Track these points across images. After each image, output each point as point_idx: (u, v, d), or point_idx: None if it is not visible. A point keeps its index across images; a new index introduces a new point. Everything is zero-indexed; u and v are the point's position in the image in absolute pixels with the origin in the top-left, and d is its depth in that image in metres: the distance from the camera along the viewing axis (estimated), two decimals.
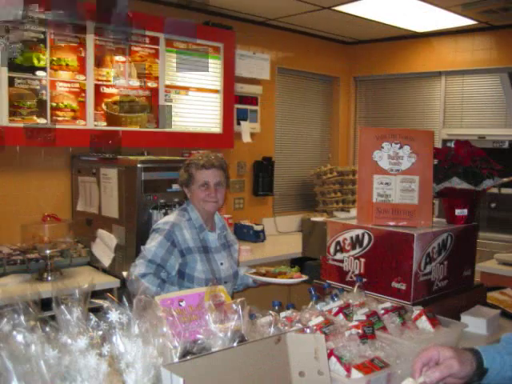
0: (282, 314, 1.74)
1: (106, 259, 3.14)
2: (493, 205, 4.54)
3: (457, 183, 2.19)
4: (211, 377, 1.16)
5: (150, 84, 3.71)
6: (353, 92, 5.54)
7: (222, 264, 2.50)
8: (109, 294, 1.42)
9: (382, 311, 1.78)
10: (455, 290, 2.21)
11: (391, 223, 2.12)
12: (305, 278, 2.47)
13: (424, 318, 1.77)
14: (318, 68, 5.20)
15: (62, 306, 1.16)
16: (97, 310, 1.22)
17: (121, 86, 3.56)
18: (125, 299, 1.24)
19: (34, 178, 3.41)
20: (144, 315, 1.22)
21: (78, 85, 3.36)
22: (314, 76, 5.24)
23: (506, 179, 2.27)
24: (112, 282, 3.01)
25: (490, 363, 1.27)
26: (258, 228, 4.28)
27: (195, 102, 3.99)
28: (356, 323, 1.60)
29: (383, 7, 4.04)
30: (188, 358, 1.19)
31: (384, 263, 2.07)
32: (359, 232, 2.14)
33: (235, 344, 1.26)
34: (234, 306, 1.38)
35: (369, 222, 2.13)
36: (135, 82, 3.64)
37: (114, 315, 1.18)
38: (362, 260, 2.14)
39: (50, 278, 2.94)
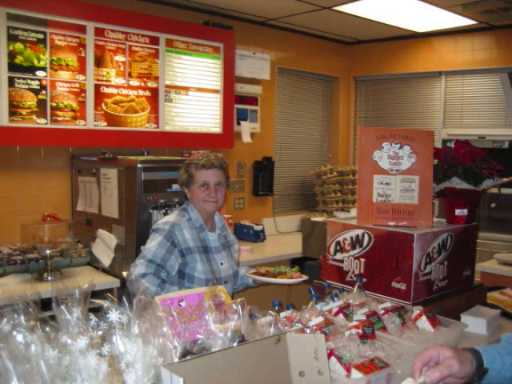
0: (282, 314, 1.74)
1: (106, 259, 3.14)
2: (493, 205, 4.54)
3: (457, 183, 2.19)
4: (211, 377, 1.16)
5: (150, 84, 3.72)
6: (353, 92, 5.54)
7: (222, 264, 2.50)
8: (109, 294, 1.42)
9: (382, 311, 1.78)
10: (455, 290, 2.21)
11: (391, 223, 2.12)
12: (305, 278, 2.47)
13: (424, 317, 1.77)
14: (318, 68, 5.21)
15: (62, 306, 1.16)
16: (97, 310, 1.22)
17: (121, 85, 3.56)
18: (125, 299, 1.24)
19: (33, 178, 3.41)
20: (144, 315, 1.22)
21: (78, 85, 3.36)
22: (313, 76, 5.24)
23: (505, 179, 2.27)
24: (112, 282, 3.01)
25: (490, 363, 1.27)
26: (258, 228, 4.28)
27: (195, 102, 3.99)
28: (356, 323, 1.60)
29: (383, 7, 4.04)
30: (188, 358, 1.19)
31: (384, 263, 2.07)
32: (359, 232, 2.14)
33: (235, 344, 1.26)
34: (233, 305, 1.38)
35: (369, 222, 2.13)
36: (135, 82, 3.64)
37: (114, 315, 1.18)
38: (362, 260, 2.14)
39: (50, 278, 2.94)
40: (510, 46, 4.44)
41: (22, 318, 1.13)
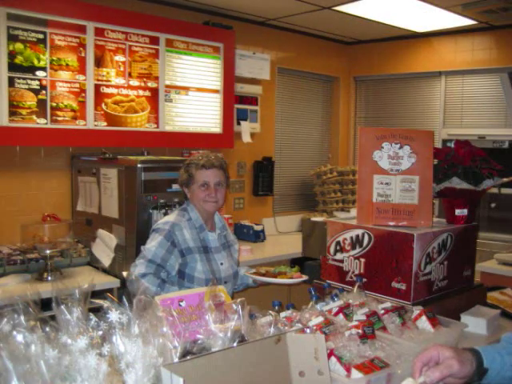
0: (282, 314, 1.74)
1: (106, 259, 3.14)
2: (493, 205, 4.54)
3: (457, 183, 2.19)
4: (211, 377, 1.16)
5: (150, 84, 3.71)
6: (353, 92, 5.54)
7: (222, 264, 2.50)
8: (109, 294, 1.42)
9: (382, 311, 1.78)
10: (455, 290, 2.21)
11: (391, 223, 2.12)
12: (305, 277, 2.47)
13: (424, 317, 1.77)
14: (318, 68, 5.21)
15: (62, 306, 1.16)
16: (97, 310, 1.22)
17: (121, 85, 3.56)
18: (125, 299, 1.24)
19: (33, 178, 3.41)
20: (144, 315, 1.22)
21: (78, 85, 3.36)
22: (313, 76, 5.24)
23: (505, 179, 2.27)
24: (112, 282, 3.01)
25: (490, 363, 1.27)
26: (258, 228, 4.28)
27: (195, 102, 3.99)
28: (356, 323, 1.60)
29: (383, 7, 4.04)
30: (188, 358, 1.19)
31: (384, 263, 2.07)
32: (359, 232, 2.14)
33: (235, 344, 1.26)
34: (233, 305, 1.38)
35: (369, 222, 2.13)
36: (135, 82, 3.64)
37: (114, 315, 1.18)
38: (362, 260, 2.14)
39: (50, 278, 2.94)
40: (510, 45, 4.44)
41: (22, 317, 1.13)
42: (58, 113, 3.28)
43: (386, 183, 2.12)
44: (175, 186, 2.99)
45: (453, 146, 2.34)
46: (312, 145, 5.33)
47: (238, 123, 4.38)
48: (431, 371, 1.22)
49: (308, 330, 1.50)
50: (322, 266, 2.32)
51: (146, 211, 3.01)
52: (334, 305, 1.81)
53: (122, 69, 3.56)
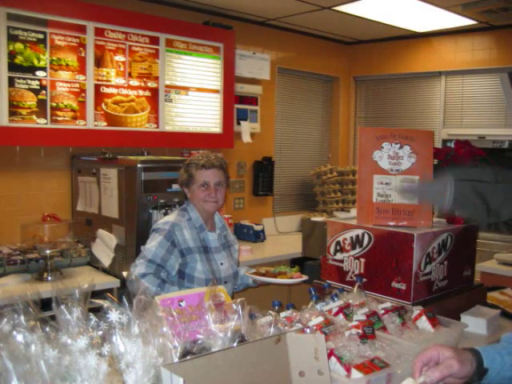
0: (282, 314, 1.74)
1: (106, 259, 3.14)
2: None
3: None
4: (211, 377, 1.16)
5: (150, 84, 3.71)
6: (353, 92, 5.54)
7: (221, 264, 2.50)
8: (109, 294, 1.42)
9: (382, 311, 1.78)
10: (455, 290, 2.21)
11: (391, 223, 2.12)
12: (305, 277, 2.47)
13: (424, 317, 1.77)
14: (318, 68, 5.21)
15: (62, 306, 1.16)
16: (97, 310, 1.22)
17: (121, 85, 3.56)
18: (125, 299, 1.24)
19: (33, 178, 3.41)
20: (144, 315, 1.22)
21: (78, 85, 3.36)
22: (313, 76, 5.24)
23: None
24: (112, 282, 3.01)
25: (490, 363, 1.27)
26: (258, 228, 4.28)
27: (195, 102, 3.99)
28: (356, 323, 1.60)
29: (383, 7, 4.04)
30: (188, 358, 1.19)
31: (384, 263, 2.07)
32: (359, 232, 2.14)
33: (235, 344, 1.26)
34: (234, 305, 1.38)
35: (369, 222, 2.13)
36: (135, 82, 3.64)
37: (114, 315, 1.18)
38: (362, 260, 2.14)
39: (50, 278, 2.94)
40: (510, 45, 4.44)
41: (22, 317, 1.13)
42: (58, 113, 3.28)
43: (386, 183, 2.12)
44: (175, 186, 2.99)
45: (453, 146, 2.33)
46: (312, 145, 5.33)
47: (238, 123, 4.38)
48: (431, 371, 1.22)
49: (308, 330, 1.50)
50: (322, 266, 2.32)
51: (146, 211, 3.01)
52: (334, 305, 1.81)
53: (122, 69, 3.56)
